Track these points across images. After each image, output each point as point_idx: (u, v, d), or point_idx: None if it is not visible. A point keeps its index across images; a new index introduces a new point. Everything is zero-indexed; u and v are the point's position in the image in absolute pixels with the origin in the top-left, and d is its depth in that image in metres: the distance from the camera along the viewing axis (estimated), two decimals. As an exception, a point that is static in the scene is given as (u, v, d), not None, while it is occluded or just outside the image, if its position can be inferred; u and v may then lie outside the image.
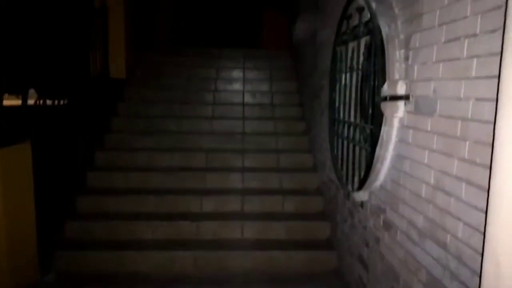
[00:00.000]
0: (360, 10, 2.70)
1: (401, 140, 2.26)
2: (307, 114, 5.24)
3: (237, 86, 6.07)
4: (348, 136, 2.97)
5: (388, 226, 2.40)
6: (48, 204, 3.59)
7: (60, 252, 3.60)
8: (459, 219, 1.67)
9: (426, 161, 1.96)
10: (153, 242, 3.78)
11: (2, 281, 3.01)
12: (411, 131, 2.14)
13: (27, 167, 3.27)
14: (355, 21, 2.86)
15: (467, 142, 1.62)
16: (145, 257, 3.60)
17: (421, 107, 2.03)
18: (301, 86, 5.85)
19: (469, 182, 1.60)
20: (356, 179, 2.79)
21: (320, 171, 4.42)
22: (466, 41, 1.64)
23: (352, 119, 2.94)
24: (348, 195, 3.13)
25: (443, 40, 1.82)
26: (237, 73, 6.29)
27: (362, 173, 2.62)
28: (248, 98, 5.83)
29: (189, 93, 5.79)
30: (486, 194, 1.42)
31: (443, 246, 1.78)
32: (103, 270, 3.50)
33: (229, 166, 4.69)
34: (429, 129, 1.94)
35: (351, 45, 2.98)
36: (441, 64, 1.84)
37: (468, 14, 1.63)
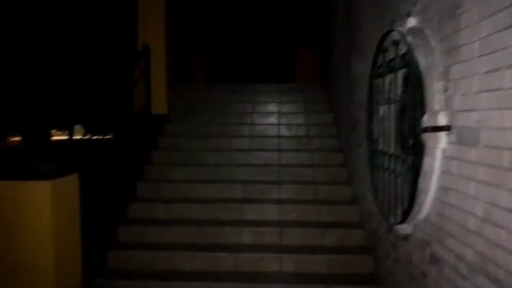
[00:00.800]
0: (396, 43, 2.75)
1: (445, 171, 2.23)
2: (344, 146, 5.23)
3: (273, 119, 6.18)
4: (388, 168, 2.94)
5: (434, 260, 2.33)
6: (92, 233, 3.73)
7: (102, 281, 3.69)
8: (511, 253, 1.61)
9: (472, 192, 1.92)
10: (191, 273, 3.81)
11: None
12: (454, 162, 2.11)
13: (74, 198, 3.44)
14: (391, 54, 2.90)
15: (516, 173, 1.59)
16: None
17: (464, 138, 2.01)
18: (336, 118, 5.88)
19: (520, 214, 1.56)
20: (399, 211, 2.74)
21: (359, 204, 4.36)
22: (508, 71, 1.64)
23: (392, 150, 2.93)
24: (390, 228, 3.06)
25: (484, 71, 1.83)
26: (272, 107, 6.42)
27: (405, 205, 2.58)
28: (284, 131, 5.92)
29: (225, 127, 5.96)
30: (540, 225, 1.38)
31: (495, 281, 1.71)
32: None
33: (266, 198, 4.71)
34: (473, 159, 1.91)
35: (388, 77, 3.01)
36: (483, 95, 1.84)
37: (508, 45, 1.64)
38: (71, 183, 3.39)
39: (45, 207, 3.06)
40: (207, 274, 3.79)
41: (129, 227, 4.32)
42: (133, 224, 4.38)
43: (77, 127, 6.87)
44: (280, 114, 6.27)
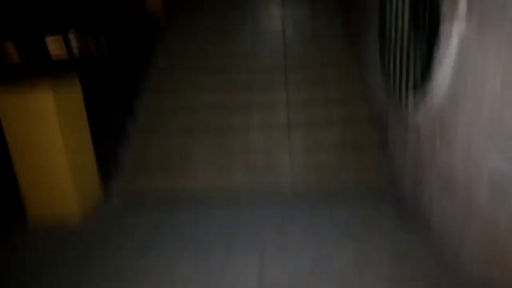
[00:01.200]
0: None
1: (462, 54, 2.11)
2: (354, 40, 4.99)
3: (278, 20, 5.86)
4: (401, 54, 2.82)
5: (446, 144, 2.33)
6: (103, 133, 3.79)
7: (118, 178, 3.83)
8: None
9: (491, 75, 1.84)
10: (205, 156, 3.94)
11: (71, 205, 3.29)
12: (473, 44, 1.98)
13: (77, 96, 3.44)
14: None
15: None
16: (197, 179, 3.78)
17: (485, 18, 1.86)
18: (347, 19, 5.52)
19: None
20: (411, 98, 2.69)
21: (371, 100, 4.25)
22: None
23: (405, 37, 2.78)
24: (402, 117, 3.02)
25: None
26: (278, 10, 6.06)
27: (418, 92, 2.53)
28: (291, 34, 5.62)
29: (228, 24, 5.69)
30: None
31: (509, 158, 1.72)
32: (159, 193, 3.70)
33: (274, 93, 4.66)
34: (494, 40, 1.79)
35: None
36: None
37: None
38: (72, 83, 3.35)
39: (49, 108, 3.07)
40: (221, 154, 3.97)
41: (138, 121, 4.38)
42: (143, 117, 4.43)
43: (72, 30, 6.60)
44: (286, 17, 5.90)
